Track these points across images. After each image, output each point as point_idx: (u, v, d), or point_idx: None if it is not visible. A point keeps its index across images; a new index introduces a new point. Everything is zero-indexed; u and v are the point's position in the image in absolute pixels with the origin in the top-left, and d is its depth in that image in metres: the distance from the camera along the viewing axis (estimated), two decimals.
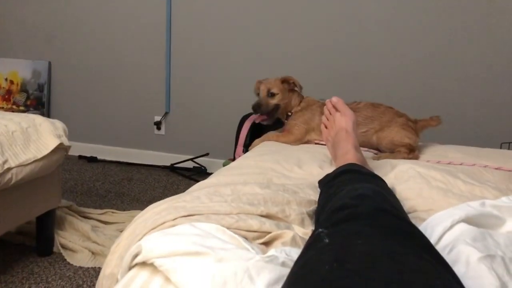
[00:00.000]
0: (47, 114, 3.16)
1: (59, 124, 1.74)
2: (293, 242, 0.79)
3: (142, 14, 2.92)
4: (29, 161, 1.53)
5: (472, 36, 2.46)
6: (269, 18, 2.71)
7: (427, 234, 0.77)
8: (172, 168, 2.92)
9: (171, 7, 2.84)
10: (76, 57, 3.09)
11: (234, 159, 2.03)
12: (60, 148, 1.66)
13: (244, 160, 1.37)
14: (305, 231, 0.84)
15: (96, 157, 3.05)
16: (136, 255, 0.74)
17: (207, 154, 2.89)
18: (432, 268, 0.52)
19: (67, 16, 3.07)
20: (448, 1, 2.45)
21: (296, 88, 1.78)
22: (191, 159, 2.90)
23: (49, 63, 3.14)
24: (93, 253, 1.76)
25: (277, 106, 1.78)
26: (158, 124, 3.01)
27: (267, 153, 1.45)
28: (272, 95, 1.77)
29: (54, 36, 3.09)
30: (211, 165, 2.86)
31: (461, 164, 1.35)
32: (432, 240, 0.77)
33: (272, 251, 0.72)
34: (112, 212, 2.14)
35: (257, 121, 1.86)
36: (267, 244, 0.80)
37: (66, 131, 1.75)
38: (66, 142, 1.70)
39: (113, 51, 3.02)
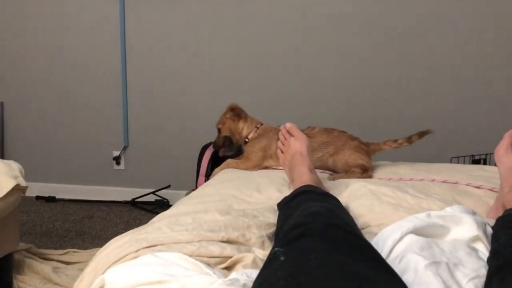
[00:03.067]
0: (1, 155, 3.07)
1: (15, 165, 1.71)
2: (254, 264, 0.82)
3: (96, 48, 2.92)
4: None
5: (416, 56, 2.60)
6: (225, 47, 2.78)
7: (379, 247, 0.82)
8: (133, 203, 2.89)
9: (125, 40, 2.86)
10: (30, 96, 3.04)
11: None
12: (17, 189, 1.63)
13: (205, 189, 1.40)
14: (265, 253, 0.87)
15: (54, 197, 2.97)
16: None
17: (168, 186, 2.88)
18: (379, 276, 0.56)
19: (18, 55, 3.03)
20: (393, 24, 2.60)
21: (241, 114, 1.83)
22: (153, 192, 2.88)
23: (1, 104, 3.08)
24: None
25: (226, 138, 1.85)
26: (117, 159, 2.98)
27: (227, 180, 1.48)
28: (219, 130, 1.86)
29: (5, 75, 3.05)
30: (173, 197, 2.85)
31: (410, 180, 1.42)
32: (384, 252, 0.82)
33: (233, 274, 0.75)
34: (74, 252, 2.10)
35: (221, 155, 1.92)
36: (229, 268, 0.83)
37: (22, 171, 1.72)
38: (23, 183, 1.67)
39: (67, 87, 2.99)
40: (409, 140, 1.64)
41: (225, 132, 1.84)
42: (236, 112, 1.82)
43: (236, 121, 1.82)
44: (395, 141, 1.66)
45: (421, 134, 1.64)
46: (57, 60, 2.99)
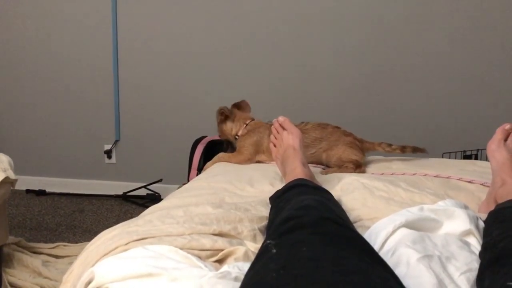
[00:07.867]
0: None
1: (4, 158, 1.69)
2: (246, 257, 0.81)
3: (88, 41, 2.88)
4: None
5: (409, 52, 2.60)
6: (217, 42, 2.76)
7: (371, 240, 0.82)
8: (125, 197, 2.87)
9: (117, 33, 2.83)
10: (20, 89, 3.01)
11: None
12: (6, 182, 1.61)
13: (197, 182, 1.39)
14: (257, 246, 0.87)
15: (44, 190, 2.95)
16: (89, 282, 0.74)
17: (160, 180, 2.87)
18: (371, 269, 0.55)
19: (9, 48, 2.99)
20: (388, 20, 2.60)
21: (228, 114, 1.83)
22: (144, 186, 2.86)
23: None
24: None
25: (225, 141, 1.91)
26: (108, 153, 2.96)
27: (220, 174, 1.47)
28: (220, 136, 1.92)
29: None
30: (165, 191, 2.83)
31: (403, 174, 1.42)
32: (376, 246, 0.81)
33: (225, 267, 0.74)
34: (64, 245, 2.08)
35: None
36: (220, 261, 0.82)
37: (11, 164, 1.70)
38: (12, 176, 1.65)
39: (58, 80, 2.96)
40: (403, 149, 1.66)
41: (222, 136, 1.89)
42: (224, 114, 1.83)
43: (224, 123, 1.84)
44: (390, 145, 1.67)
45: (415, 150, 1.67)
46: (48, 53, 2.95)
